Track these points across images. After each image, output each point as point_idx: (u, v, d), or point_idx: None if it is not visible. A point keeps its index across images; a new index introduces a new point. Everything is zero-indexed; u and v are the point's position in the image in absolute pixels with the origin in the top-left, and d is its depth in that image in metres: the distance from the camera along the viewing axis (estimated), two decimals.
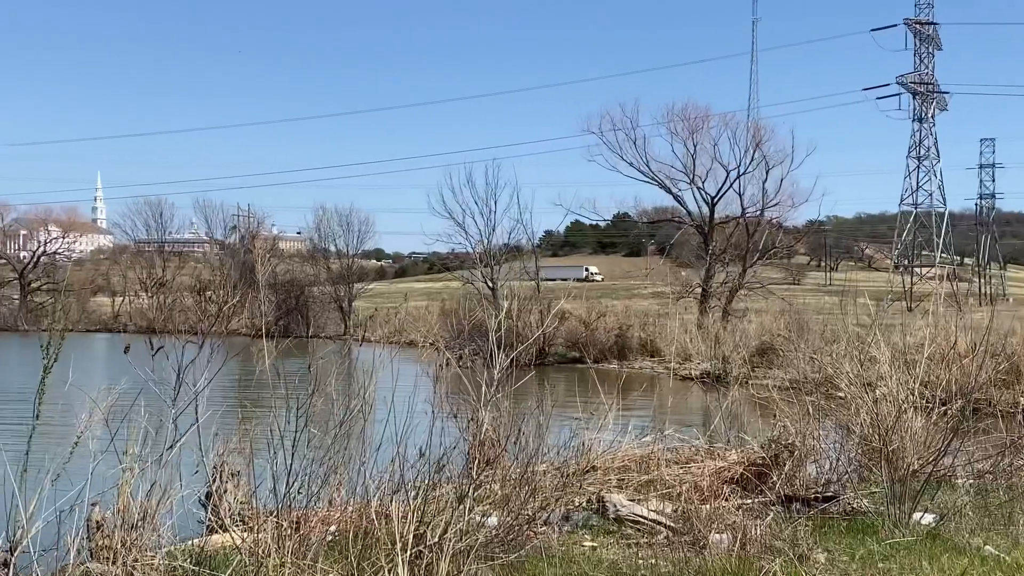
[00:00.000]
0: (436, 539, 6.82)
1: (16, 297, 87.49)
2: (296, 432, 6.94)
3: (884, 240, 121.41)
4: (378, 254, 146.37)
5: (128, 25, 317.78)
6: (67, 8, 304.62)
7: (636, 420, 13.90)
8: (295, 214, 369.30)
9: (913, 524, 9.87)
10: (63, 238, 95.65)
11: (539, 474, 9.59)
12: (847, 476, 11.50)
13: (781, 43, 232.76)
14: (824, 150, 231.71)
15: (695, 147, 58.30)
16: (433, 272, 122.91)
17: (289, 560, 6.20)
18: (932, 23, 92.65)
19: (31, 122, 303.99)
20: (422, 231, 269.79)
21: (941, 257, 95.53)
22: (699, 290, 56.96)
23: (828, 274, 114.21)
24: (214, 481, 8.39)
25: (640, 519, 9.88)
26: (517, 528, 8.46)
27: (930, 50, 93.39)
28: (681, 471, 11.53)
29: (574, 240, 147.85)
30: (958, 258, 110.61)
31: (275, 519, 6.78)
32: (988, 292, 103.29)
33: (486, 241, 58.07)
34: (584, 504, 10.67)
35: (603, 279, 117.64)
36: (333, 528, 7.98)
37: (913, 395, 11.56)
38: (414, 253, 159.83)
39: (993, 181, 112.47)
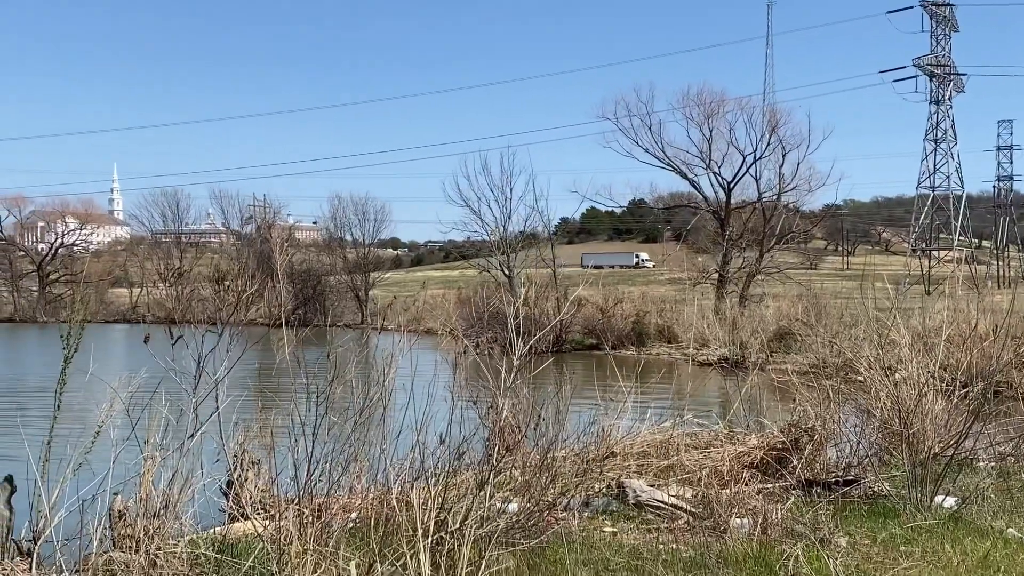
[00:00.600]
0: (457, 525, 6.82)
1: (35, 289, 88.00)
2: (316, 420, 6.94)
3: (901, 224, 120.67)
4: (394, 243, 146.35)
5: (142, 17, 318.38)
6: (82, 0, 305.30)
7: (655, 406, 13.86)
8: (311, 204, 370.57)
9: (935, 507, 9.83)
10: (80, 230, 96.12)
11: (559, 460, 9.59)
12: (867, 460, 11.45)
13: (796, 27, 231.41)
14: (841, 134, 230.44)
15: (711, 132, 58.06)
16: (449, 260, 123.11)
17: (311, 547, 6.21)
18: (948, 4, 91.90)
19: (47, 115, 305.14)
20: (438, 219, 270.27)
21: (959, 240, 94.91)
22: (716, 276, 56.76)
23: (845, 258, 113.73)
24: (235, 469, 8.41)
25: (660, 504, 9.86)
26: (538, 514, 8.47)
27: (947, 31, 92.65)
28: (701, 456, 11.51)
29: (590, 227, 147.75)
30: (976, 241, 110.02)
31: (296, 507, 6.79)
32: (1006, 274, 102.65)
33: (502, 229, 57.98)
34: (604, 490, 10.66)
35: (654, 265, 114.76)
36: (354, 515, 8.00)
37: (933, 378, 11.53)
38: (430, 242, 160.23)
39: (1011, 163, 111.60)
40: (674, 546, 8.71)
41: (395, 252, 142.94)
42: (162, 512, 7.12)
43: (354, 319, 71.77)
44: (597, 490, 10.61)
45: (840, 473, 11.09)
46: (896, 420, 11.06)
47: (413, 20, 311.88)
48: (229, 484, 8.97)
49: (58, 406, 7.55)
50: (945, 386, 11.75)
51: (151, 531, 6.86)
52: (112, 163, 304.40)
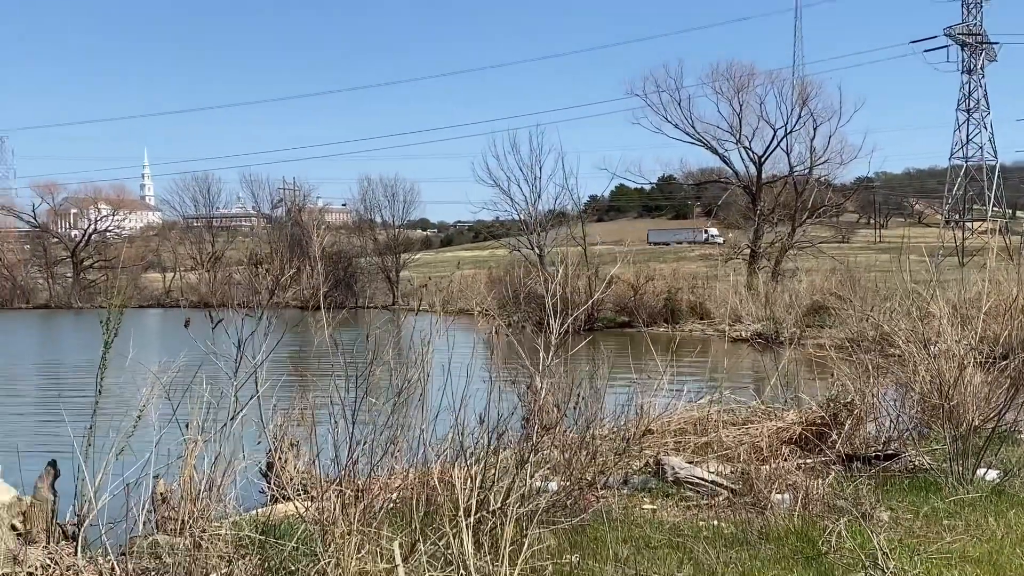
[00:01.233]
0: (499, 505, 6.83)
1: (69, 275, 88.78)
2: (357, 401, 6.96)
3: (934, 195, 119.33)
4: (423, 224, 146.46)
5: (171, 1, 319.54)
6: None
7: (690, 383, 13.81)
8: (340, 186, 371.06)
9: (977, 480, 9.76)
10: (113, 216, 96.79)
11: (598, 438, 9.58)
12: (907, 434, 11.39)
13: None
14: (872, 106, 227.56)
15: (741, 106, 57.78)
16: (479, 240, 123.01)
17: (355, 527, 6.24)
18: None
19: (77, 101, 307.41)
20: (467, 199, 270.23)
21: (992, 211, 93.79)
22: (747, 251, 56.47)
23: (878, 231, 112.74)
24: (275, 451, 8.46)
25: (699, 481, 9.84)
26: (577, 492, 8.47)
27: (978, 0, 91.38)
28: (739, 432, 11.48)
29: (619, 204, 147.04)
30: (1010, 211, 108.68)
31: (338, 487, 6.82)
32: None
33: (532, 208, 57.90)
34: (641, 467, 10.65)
35: (724, 241, 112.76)
36: (394, 496, 8.03)
37: (973, 350, 11.42)
38: (459, 222, 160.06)
39: None
40: (715, 522, 8.69)
41: (425, 233, 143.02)
42: (205, 494, 7.17)
43: (385, 300, 72.07)
44: (635, 468, 10.61)
45: (880, 447, 11.03)
46: (936, 393, 10.98)
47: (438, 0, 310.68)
48: (269, 466, 9.03)
49: (99, 390, 7.61)
50: (984, 358, 11.64)
51: (195, 513, 6.92)
52: (142, 148, 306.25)
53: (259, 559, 6.76)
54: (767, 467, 9.89)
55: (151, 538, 7.20)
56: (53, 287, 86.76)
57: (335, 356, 7.57)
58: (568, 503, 8.24)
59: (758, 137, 57.80)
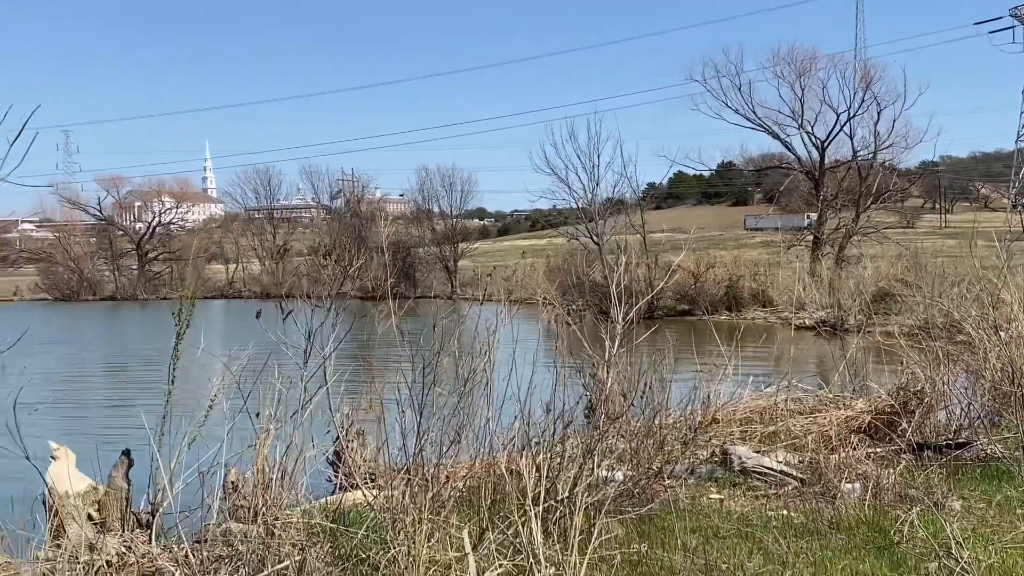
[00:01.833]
0: (567, 494, 6.83)
1: (134, 267, 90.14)
2: (424, 390, 7.00)
3: (1000, 179, 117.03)
4: (481, 213, 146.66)
5: None
6: None
7: (756, 371, 13.69)
8: (398, 176, 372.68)
9: None
10: (176, 208, 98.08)
11: (664, 428, 9.55)
12: (979, 422, 11.20)
13: None
14: (936, 88, 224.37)
15: (803, 90, 56.81)
16: (536, 229, 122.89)
17: (425, 516, 6.28)
18: None
19: (140, 96, 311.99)
20: (525, 188, 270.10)
21: None
22: (810, 238, 55.77)
23: (943, 216, 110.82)
24: (344, 440, 8.53)
25: (767, 471, 9.76)
26: (644, 482, 8.45)
27: None
28: (806, 421, 11.37)
29: (678, 191, 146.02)
30: None
31: (407, 476, 6.86)
32: None
33: (590, 195, 57.66)
34: (707, 457, 10.59)
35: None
36: (461, 485, 8.06)
37: None
38: (516, 211, 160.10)
39: None
40: (783, 512, 8.62)
41: (482, 222, 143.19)
42: (277, 483, 7.25)
43: (443, 290, 72.32)
44: (701, 457, 10.55)
45: (951, 436, 10.86)
46: (1007, 381, 10.79)
47: None
48: (337, 455, 9.11)
49: (172, 380, 7.72)
50: None
51: (268, 501, 7.00)
52: (204, 141, 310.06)
53: (330, 546, 6.83)
54: (836, 456, 9.78)
55: (224, 526, 7.30)
56: (119, 279, 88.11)
57: (401, 346, 7.63)
58: (635, 492, 8.22)
59: (820, 122, 56.90)
